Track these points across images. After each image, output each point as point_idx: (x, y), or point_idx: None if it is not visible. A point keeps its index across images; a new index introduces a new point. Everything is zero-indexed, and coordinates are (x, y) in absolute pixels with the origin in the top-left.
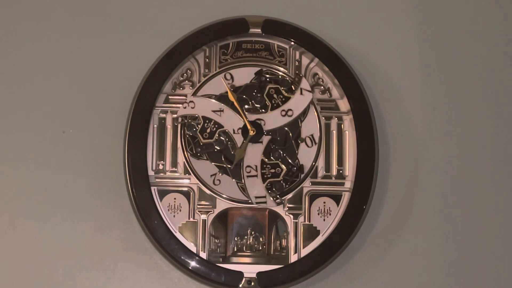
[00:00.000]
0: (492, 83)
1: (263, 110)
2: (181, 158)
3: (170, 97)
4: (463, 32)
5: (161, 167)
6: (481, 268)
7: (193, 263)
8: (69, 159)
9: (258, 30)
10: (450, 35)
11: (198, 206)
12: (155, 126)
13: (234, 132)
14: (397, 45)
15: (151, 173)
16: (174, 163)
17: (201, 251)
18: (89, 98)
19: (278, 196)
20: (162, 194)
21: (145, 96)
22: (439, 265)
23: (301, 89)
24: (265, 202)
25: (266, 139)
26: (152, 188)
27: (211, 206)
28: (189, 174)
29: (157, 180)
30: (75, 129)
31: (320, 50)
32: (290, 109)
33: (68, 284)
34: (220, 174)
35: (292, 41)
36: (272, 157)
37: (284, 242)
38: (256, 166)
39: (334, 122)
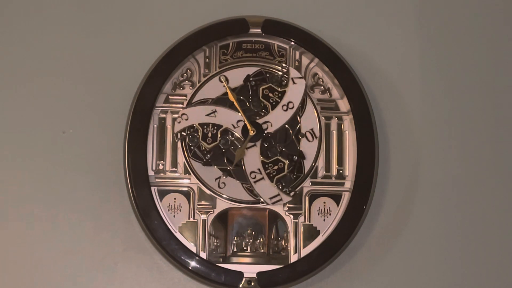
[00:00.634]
0: (492, 83)
1: (264, 112)
2: (181, 158)
3: (170, 97)
4: (463, 32)
5: (161, 167)
6: (481, 268)
7: (193, 263)
8: (69, 159)
9: (258, 30)
10: (450, 35)
11: (198, 206)
12: (155, 126)
13: (234, 127)
14: (397, 45)
15: (151, 173)
16: (174, 163)
17: (201, 251)
18: (89, 98)
19: (289, 189)
20: (162, 194)
21: (145, 96)
22: (439, 265)
23: (292, 79)
24: (280, 199)
25: (258, 141)
26: (152, 188)
27: (211, 206)
28: (189, 174)
29: (157, 180)
30: (75, 129)
31: (320, 50)
32: (290, 102)
33: (68, 284)
34: (225, 177)
35: (292, 41)
36: (270, 155)
37: (284, 242)
38: (259, 169)
39: (334, 122)
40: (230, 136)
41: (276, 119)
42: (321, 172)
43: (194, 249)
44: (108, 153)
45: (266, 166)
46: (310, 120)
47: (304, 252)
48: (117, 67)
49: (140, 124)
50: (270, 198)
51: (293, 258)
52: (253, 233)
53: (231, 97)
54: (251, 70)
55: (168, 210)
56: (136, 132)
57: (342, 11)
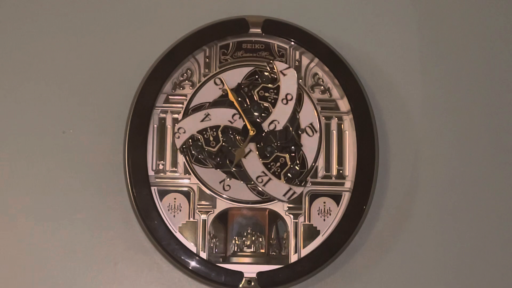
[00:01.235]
0: (492, 83)
1: (266, 113)
2: (181, 158)
3: (170, 97)
4: (463, 31)
5: (161, 167)
6: (480, 268)
7: (193, 263)
8: (69, 159)
9: (258, 30)
10: (450, 35)
11: (198, 206)
12: (155, 126)
13: (231, 123)
14: (397, 45)
15: (151, 173)
16: (174, 163)
17: (201, 251)
18: (89, 98)
19: (298, 181)
20: (162, 194)
21: (145, 96)
22: (439, 265)
23: (280, 72)
24: (294, 193)
25: (252, 145)
26: (152, 188)
27: (211, 206)
28: (189, 174)
29: (157, 180)
30: (75, 129)
31: (320, 50)
32: (287, 93)
33: (68, 284)
34: (229, 179)
35: (292, 41)
36: (268, 154)
37: (284, 242)
38: (263, 172)
39: (334, 122)
40: (231, 132)
41: (280, 115)
42: (321, 172)
43: (194, 249)
44: (108, 153)
45: (269, 166)
46: (308, 115)
47: (304, 252)
48: (117, 67)
49: (140, 124)
50: (284, 195)
51: (293, 258)
52: (253, 233)
53: (231, 97)
54: (247, 70)
55: (168, 210)
56: (136, 132)
57: (342, 11)
